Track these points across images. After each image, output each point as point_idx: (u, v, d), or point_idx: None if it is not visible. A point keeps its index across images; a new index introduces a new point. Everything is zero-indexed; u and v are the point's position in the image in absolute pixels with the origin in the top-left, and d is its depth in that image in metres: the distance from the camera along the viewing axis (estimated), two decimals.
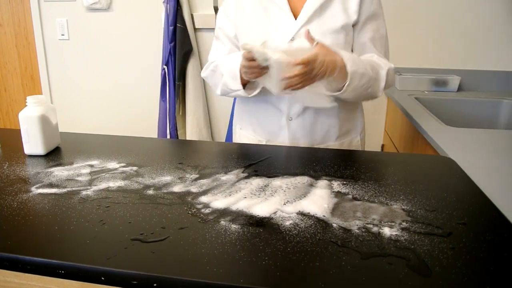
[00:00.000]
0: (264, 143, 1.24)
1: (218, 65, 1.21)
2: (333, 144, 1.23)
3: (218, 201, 0.78)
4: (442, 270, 0.57)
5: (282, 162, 0.99)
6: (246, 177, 0.90)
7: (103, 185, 0.85)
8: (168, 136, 2.33)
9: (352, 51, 1.19)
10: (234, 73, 1.12)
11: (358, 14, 1.14)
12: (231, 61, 1.15)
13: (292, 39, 1.13)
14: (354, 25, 1.16)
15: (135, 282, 0.56)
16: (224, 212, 0.74)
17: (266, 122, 1.23)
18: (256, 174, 0.92)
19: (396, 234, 0.66)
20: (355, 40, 1.18)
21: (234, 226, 0.68)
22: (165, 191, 0.83)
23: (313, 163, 0.98)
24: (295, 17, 1.14)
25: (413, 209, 0.75)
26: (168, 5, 2.18)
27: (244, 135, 1.30)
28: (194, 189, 0.84)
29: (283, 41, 1.13)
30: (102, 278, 0.58)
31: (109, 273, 0.57)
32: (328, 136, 1.22)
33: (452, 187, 0.86)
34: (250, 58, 1.00)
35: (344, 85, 1.05)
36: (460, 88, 2.16)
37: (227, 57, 1.21)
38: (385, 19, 1.22)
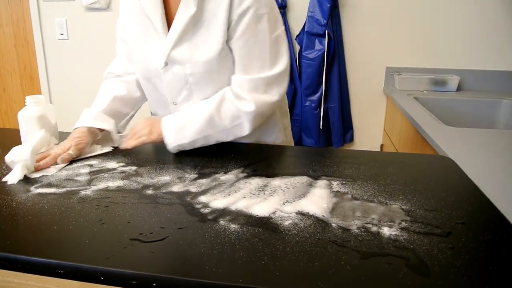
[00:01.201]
0: None
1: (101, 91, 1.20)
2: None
3: (217, 201, 0.78)
4: (441, 269, 0.57)
5: (281, 162, 0.99)
6: (245, 177, 0.89)
7: (102, 185, 0.85)
8: None
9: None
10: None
11: (228, 25, 1.01)
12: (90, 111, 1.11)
13: (166, 65, 1.05)
14: (227, 41, 1.03)
15: (134, 282, 0.56)
16: (223, 212, 0.74)
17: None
18: (256, 174, 0.92)
19: (395, 234, 0.66)
20: (233, 56, 1.06)
21: (233, 226, 0.68)
22: (164, 191, 0.83)
23: (312, 163, 0.98)
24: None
25: (412, 209, 0.75)
26: None
27: None
28: (193, 189, 0.84)
29: (158, 66, 1.06)
30: (101, 278, 0.58)
31: (108, 273, 0.57)
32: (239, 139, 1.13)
33: (451, 187, 0.86)
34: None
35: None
36: (459, 88, 2.16)
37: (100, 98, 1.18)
38: (274, 18, 1.05)
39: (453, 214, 0.73)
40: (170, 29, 1.03)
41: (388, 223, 0.70)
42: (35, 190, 0.83)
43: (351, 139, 2.48)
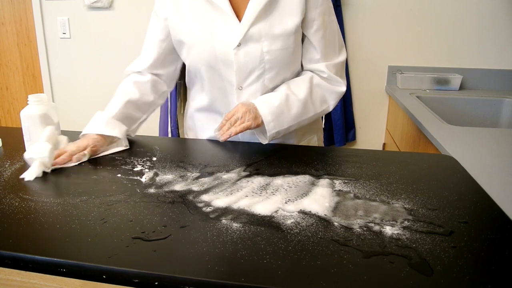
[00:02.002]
0: None
1: (117, 93, 1.18)
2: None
3: (219, 200, 0.78)
4: (443, 269, 0.57)
5: (283, 160, 0.99)
6: (247, 176, 0.89)
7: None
8: (170, 135, 2.33)
9: (302, 53, 1.15)
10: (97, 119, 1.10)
11: (305, 11, 1.06)
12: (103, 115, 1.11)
13: (239, 45, 1.05)
14: (302, 24, 1.08)
15: (136, 281, 0.56)
16: (225, 211, 0.74)
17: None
18: (258, 172, 0.91)
19: (398, 233, 0.66)
20: (304, 40, 1.12)
21: (235, 225, 0.68)
22: (166, 189, 0.83)
23: (314, 161, 0.98)
24: (239, 20, 1.05)
25: (415, 208, 0.75)
26: None
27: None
28: (195, 187, 0.84)
29: (229, 48, 1.06)
30: (104, 277, 0.58)
31: (111, 272, 0.57)
32: (285, 137, 1.18)
33: (453, 186, 0.86)
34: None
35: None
36: (462, 87, 2.15)
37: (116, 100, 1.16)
38: (334, 13, 1.16)
39: (455, 213, 0.73)
40: (248, 7, 1.03)
41: (390, 222, 0.70)
42: (38, 188, 0.83)
43: (354, 138, 2.48)
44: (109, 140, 1.08)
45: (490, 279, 0.55)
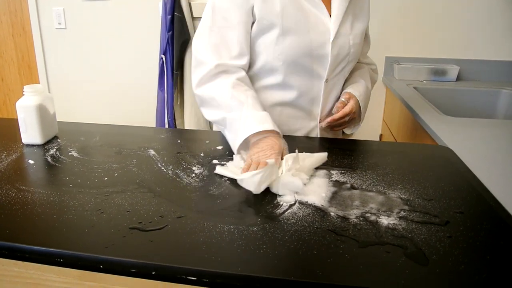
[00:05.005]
0: None
1: (224, 106, 0.99)
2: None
3: (216, 190, 0.78)
4: (439, 258, 0.57)
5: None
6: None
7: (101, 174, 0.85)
8: (167, 126, 2.32)
9: None
10: (235, 137, 0.95)
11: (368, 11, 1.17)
12: (239, 121, 0.95)
13: (332, 39, 1.04)
14: None
15: (133, 270, 0.57)
16: (222, 200, 0.74)
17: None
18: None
19: (394, 223, 0.66)
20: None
21: (232, 213, 0.69)
22: (162, 181, 0.83)
23: (310, 152, 0.98)
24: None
25: (411, 198, 0.75)
26: None
27: None
28: (191, 178, 0.84)
29: (326, 41, 1.04)
30: (101, 267, 0.58)
31: (108, 262, 0.58)
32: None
33: (450, 177, 0.86)
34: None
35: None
36: (459, 78, 2.15)
37: (237, 109, 0.97)
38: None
39: (451, 204, 0.73)
40: (334, 2, 1.06)
41: (387, 212, 0.70)
42: (34, 179, 0.83)
43: None
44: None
45: (485, 268, 0.56)
